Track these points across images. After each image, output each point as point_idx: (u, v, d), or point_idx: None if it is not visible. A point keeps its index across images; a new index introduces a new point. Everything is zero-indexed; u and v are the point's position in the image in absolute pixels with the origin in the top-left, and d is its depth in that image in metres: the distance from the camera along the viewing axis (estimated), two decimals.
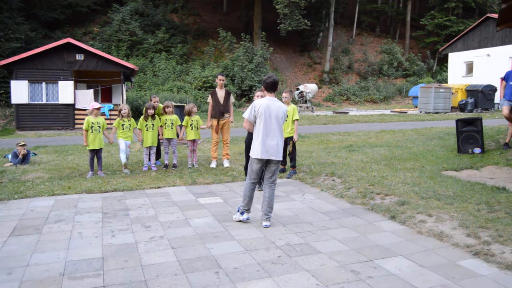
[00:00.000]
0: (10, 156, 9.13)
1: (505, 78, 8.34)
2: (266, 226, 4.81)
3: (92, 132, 7.61)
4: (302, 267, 3.73)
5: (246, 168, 6.37)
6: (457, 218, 4.73)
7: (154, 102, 8.36)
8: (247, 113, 4.95)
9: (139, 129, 8.16)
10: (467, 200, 5.33)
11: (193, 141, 8.44)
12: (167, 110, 8.39)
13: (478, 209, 4.99)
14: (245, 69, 27.97)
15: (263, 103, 4.84)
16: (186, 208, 5.62)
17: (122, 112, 7.92)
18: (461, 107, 23.55)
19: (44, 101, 17.95)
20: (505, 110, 8.09)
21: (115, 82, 19.35)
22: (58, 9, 30.29)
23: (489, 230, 4.35)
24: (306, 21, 30.07)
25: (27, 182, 7.19)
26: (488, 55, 25.92)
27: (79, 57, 18.06)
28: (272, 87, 4.96)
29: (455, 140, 8.82)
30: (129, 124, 8.01)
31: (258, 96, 6.29)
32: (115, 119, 8.17)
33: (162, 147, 8.63)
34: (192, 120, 8.38)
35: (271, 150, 4.82)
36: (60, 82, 17.89)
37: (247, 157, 5.87)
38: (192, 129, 8.36)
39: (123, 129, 7.93)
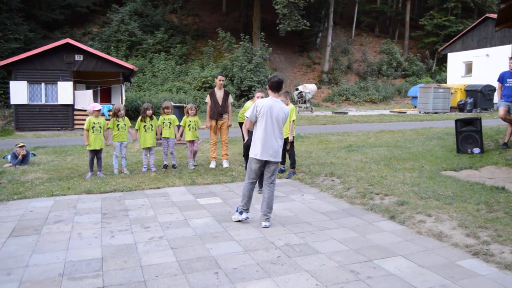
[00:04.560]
0: (9, 157, 9.12)
1: (499, 80, 8.37)
2: (266, 227, 4.81)
3: (93, 132, 7.61)
4: (301, 267, 3.73)
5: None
6: (456, 218, 4.74)
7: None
8: (249, 112, 4.93)
9: (136, 129, 8.16)
10: (466, 200, 5.33)
11: (192, 141, 8.42)
12: (166, 111, 8.38)
13: (477, 209, 4.99)
14: (244, 69, 27.98)
15: (266, 104, 4.83)
16: (186, 209, 5.61)
17: (119, 113, 7.90)
18: (460, 107, 23.57)
19: (43, 102, 17.92)
20: (501, 111, 8.10)
21: (114, 82, 19.34)
22: (57, 9, 30.30)
23: (488, 230, 4.35)
24: (305, 21, 30.09)
25: (26, 182, 7.19)
26: (487, 55, 25.95)
27: (78, 57, 18.04)
28: (276, 86, 4.92)
29: (454, 140, 8.82)
30: (124, 124, 8.00)
31: (258, 97, 6.27)
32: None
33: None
34: (190, 121, 8.38)
35: (271, 151, 4.82)
36: (59, 83, 17.87)
37: (247, 159, 5.85)
38: (189, 129, 8.36)
39: (118, 129, 7.91)
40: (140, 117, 8.11)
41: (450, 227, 4.54)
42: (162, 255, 4.03)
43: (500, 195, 5.49)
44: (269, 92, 4.99)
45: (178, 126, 8.68)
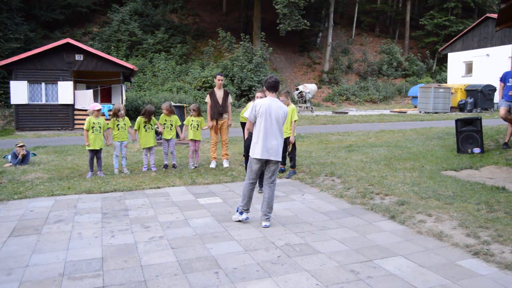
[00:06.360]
0: (9, 156, 9.12)
1: (502, 79, 8.36)
2: (266, 226, 4.81)
3: (93, 132, 7.61)
4: (301, 267, 3.73)
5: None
6: (456, 218, 4.73)
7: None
8: (247, 113, 4.98)
9: (135, 129, 8.14)
10: (466, 200, 5.33)
11: (194, 141, 8.41)
12: (164, 112, 8.36)
13: (477, 209, 4.99)
14: (245, 69, 27.97)
15: (264, 103, 4.86)
16: (186, 208, 5.61)
17: (119, 113, 7.90)
18: (461, 107, 23.56)
19: (43, 102, 17.94)
20: (502, 110, 8.10)
21: (114, 82, 19.35)
22: (57, 9, 30.30)
23: (488, 230, 4.35)
24: (306, 21, 30.09)
25: (27, 182, 7.19)
26: (487, 55, 25.94)
27: (79, 57, 18.05)
28: (273, 87, 5.00)
29: (455, 140, 8.82)
30: (124, 124, 7.99)
31: (258, 97, 6.29)
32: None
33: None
34: (192, 120, 8.37)
35: (271, 150, 4.83)
36: (59, 83, 17.89)
37: (247, 159, 5.86)
38: (191, 129, 8.35)
39: (118, 129, 7.91)
40: (144, 119, 8.03)
41: (451, 227, 4.54)
42: (162, 255, 4.03)
43: (501, 195, 5.49)
44: (267, 93, 5.06)
45: (181, 126, 8.67)
